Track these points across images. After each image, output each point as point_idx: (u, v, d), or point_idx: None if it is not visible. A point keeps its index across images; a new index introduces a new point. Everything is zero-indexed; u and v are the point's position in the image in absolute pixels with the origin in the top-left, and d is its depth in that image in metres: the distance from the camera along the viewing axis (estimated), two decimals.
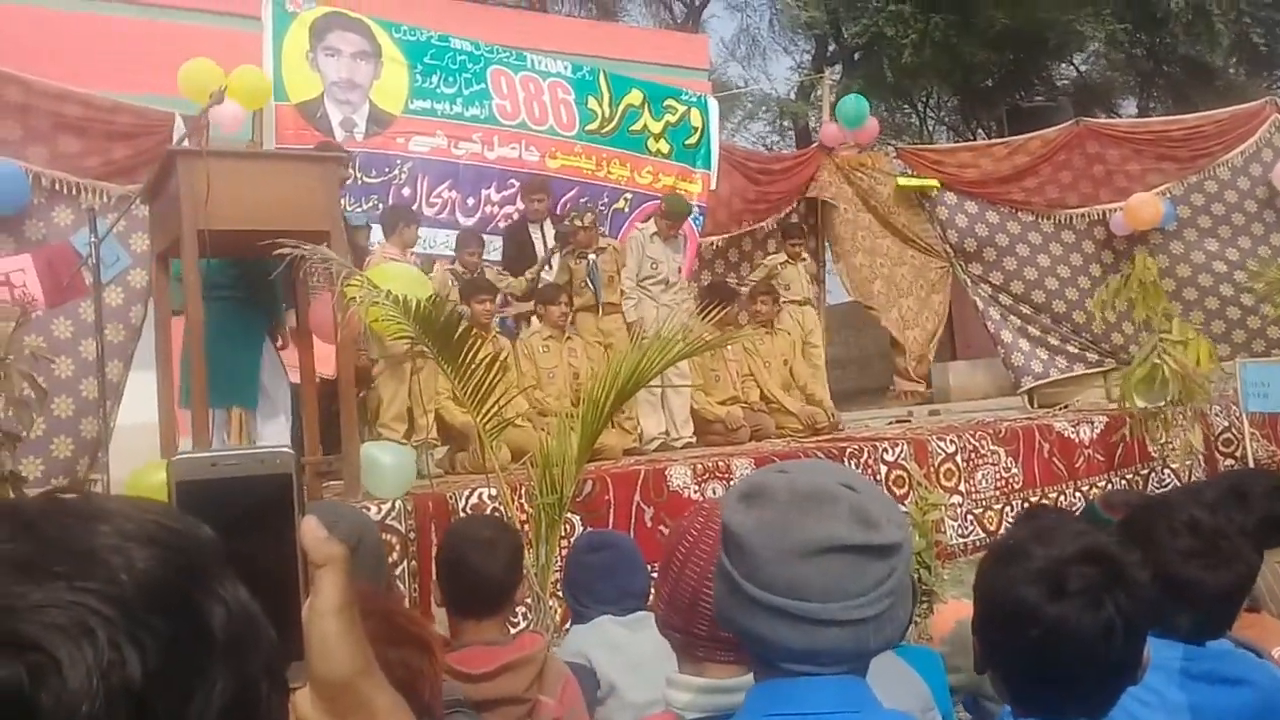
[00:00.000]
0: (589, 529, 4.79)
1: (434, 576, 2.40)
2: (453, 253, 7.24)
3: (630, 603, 2.61)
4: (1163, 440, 7.16)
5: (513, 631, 2.64)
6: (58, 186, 5.87)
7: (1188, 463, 7.18)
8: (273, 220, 4.26)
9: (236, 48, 7.39)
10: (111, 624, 0.49)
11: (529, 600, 3.88)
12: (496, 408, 4.32)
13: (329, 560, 0.70)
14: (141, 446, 5.20)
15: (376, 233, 6.70)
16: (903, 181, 9.40)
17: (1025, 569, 1.41)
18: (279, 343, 5.46)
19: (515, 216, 7.77)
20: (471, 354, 4.17)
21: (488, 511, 4.69)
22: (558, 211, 7.88)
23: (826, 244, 9.63)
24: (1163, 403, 7.06)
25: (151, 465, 4.69)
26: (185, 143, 4.86)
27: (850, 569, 1.09)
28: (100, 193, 5.96)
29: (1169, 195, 9.31)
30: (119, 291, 5.97)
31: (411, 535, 4.64)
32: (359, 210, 7.01)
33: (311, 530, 0.70)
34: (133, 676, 0.48)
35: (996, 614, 1.45)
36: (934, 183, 9.39)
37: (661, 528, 5.04)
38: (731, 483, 5.67)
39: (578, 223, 7.18)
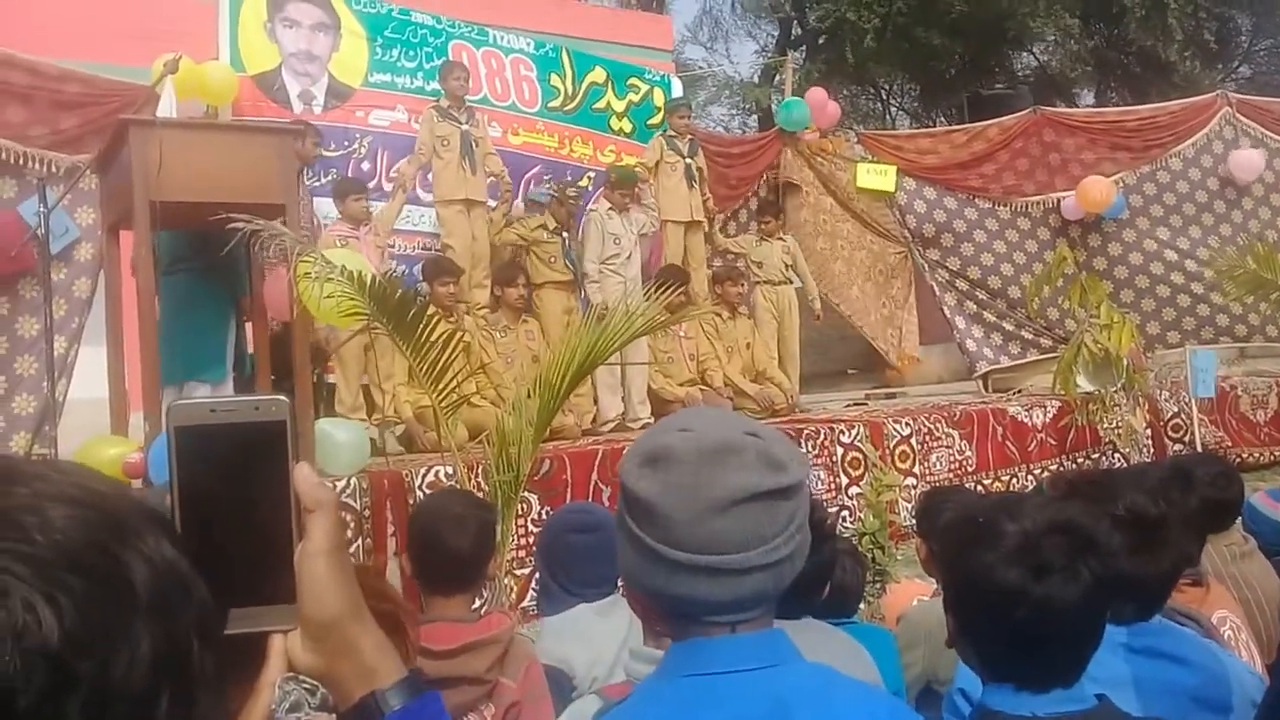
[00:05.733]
0: (575, 502, 4.72)
1: (393, 551, 2.36)
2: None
3: (606, 588, 2.55)
4: (1112, 424, 7.27)
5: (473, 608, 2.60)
6: (3, 155, 5.72)
7: (1136, 447, 7.30)
8: (227, 193, 4.20)
9: (191, 17, 7.24)
10: (26, 584, 0.48)
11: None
12: (453, 384, 4.28)
13: (320, 505, 0.71)
14: (87, 423, 5.11)
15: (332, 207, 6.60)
16: (862, 184, 9.40)
17: (1000, 549, 1.40)
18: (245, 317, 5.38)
19: None
20: (427, 332, 4.13)
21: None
22: (525, 189, 7.79)
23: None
24: (1105, 387, 7.17)
25: (102, 440, 4.60)
26: (164, 91, 4.69)
27: (764, 514, 1.09)
28: (48, 163, 5.82)
29: (1122, 185, 9.44)
30: (63, 265, 5.83)
31: (366, 513, 4.60)
32: (317, 184, 6.91)
33: (305, 475, 0.71)
34: (49, 638, 0.47)
35: (976, 597, 1.44)
36: (890, 189, 9.42)
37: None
38: None
39: (569, 193, 6.98)
